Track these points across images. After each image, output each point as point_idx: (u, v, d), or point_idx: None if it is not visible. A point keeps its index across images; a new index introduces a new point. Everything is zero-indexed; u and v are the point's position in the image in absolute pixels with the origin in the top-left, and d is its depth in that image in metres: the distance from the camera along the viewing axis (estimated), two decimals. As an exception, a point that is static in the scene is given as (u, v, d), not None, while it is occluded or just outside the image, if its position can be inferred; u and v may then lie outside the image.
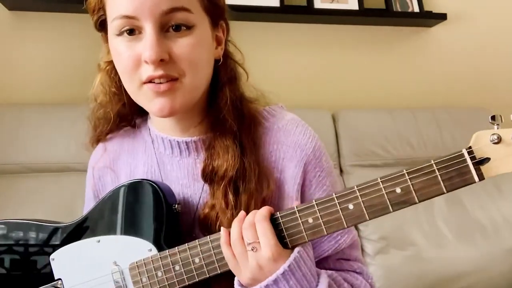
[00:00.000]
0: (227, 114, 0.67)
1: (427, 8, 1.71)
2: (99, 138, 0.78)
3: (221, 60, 0.69)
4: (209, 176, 0.66)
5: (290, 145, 0.68)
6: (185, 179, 0.71)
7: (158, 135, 0.72)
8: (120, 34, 0.60)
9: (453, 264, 1.41)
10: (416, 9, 1.68)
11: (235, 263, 0.57)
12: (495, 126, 0.49)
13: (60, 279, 0.68)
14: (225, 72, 0.69)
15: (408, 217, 1.46)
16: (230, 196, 0.64)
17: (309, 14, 1.60)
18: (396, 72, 1.78)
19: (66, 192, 1.27)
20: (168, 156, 0.72)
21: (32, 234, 0.70)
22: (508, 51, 1.87)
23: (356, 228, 1.46)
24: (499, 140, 0.48)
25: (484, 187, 1.56)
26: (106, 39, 0.66)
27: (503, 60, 1.87)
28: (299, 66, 1.69)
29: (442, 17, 1.70)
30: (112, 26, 0.60)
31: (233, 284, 0.61)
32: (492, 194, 1.55)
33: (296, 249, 0.56)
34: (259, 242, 0.55)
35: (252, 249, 0.55)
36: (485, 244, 1.45)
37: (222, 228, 0.60)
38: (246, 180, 0.64)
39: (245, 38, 1.59)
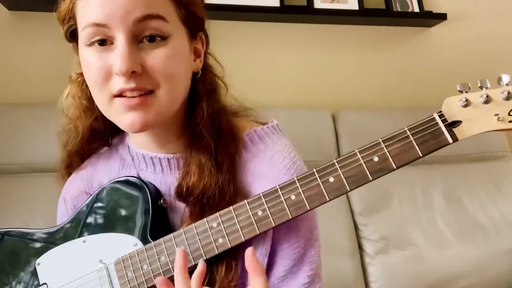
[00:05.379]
0: (204, 129, 0.64)
1: (427, 8, 1.71)
2: (70, 159, 0.74)
3: (200, 73, 0.65)
4: (183, 195, 0.63)
5: (270, 179, 0.64)
6: (167, 197, 0.68)
7: (138, 152, 0.69)
8: (91, 44, 0.56)
9: (453, 264, 1.41)
10: (416, 9, 1.68)
11: None
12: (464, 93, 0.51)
13: (45, 283, 0.66)
14: (203, 85, 0.66)
15: (408, 217, 1.46)
16: (205, 215, 0.61)
17: (309, 14, 1.60)
18: (396, 72, 1.78)
19: (66, 192, 1.27)
20: (151, 173, 0.69)
21: (17, 243, 0.69)
22: (508, 51, 1.87)
23: (356, 228, 1.47)
24: (468, 103, 0.50)
25: (484, 187, 1.56)
26: (77, 50, 0.63)
27: (503, 60, 1.87)
28: (299, 66, 1.69)
29: (442, 17, 1.70)
30: (83, 35, 0.57)
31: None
32: (492, 194, 1.55)
33: None
34: None
35: None
36: (485, 244, 1.45)
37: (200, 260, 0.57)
38: (220, 198, 0.62)
39: (245, 38, 1.61)
